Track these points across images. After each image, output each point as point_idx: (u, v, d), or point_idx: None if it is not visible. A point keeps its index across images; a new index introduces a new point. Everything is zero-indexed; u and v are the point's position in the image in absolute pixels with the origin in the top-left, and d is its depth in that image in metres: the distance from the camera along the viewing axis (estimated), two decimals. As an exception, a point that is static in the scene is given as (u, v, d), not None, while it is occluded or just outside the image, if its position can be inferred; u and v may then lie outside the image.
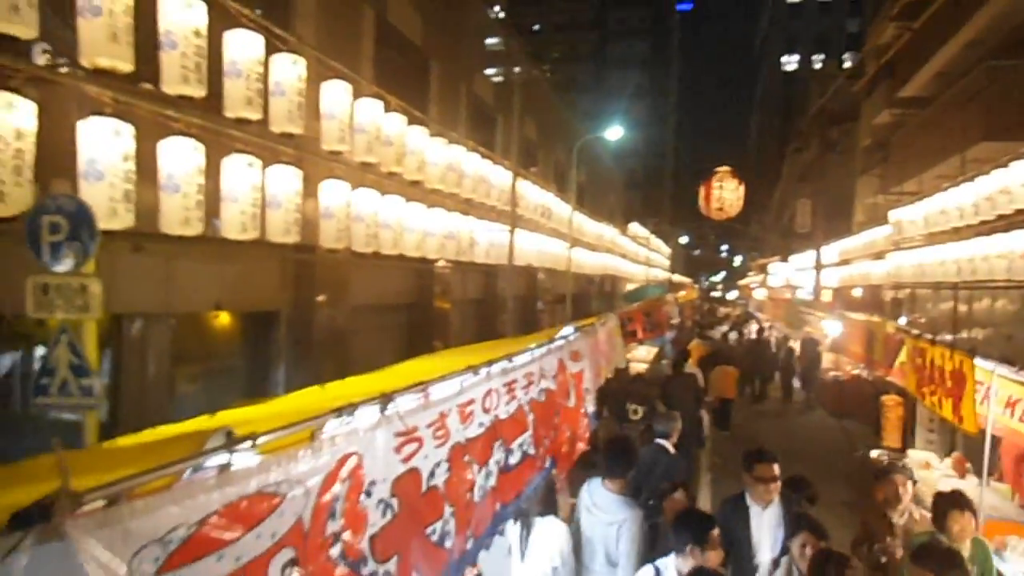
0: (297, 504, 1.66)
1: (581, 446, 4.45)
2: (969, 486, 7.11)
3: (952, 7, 14.52)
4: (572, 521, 4.41)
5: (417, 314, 10.62)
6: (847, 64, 40.77)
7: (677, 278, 42.67)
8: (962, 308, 11.62)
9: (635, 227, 29.80)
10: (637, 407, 9.59)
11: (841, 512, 8.76)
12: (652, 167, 56.66)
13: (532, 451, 3.28)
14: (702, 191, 28.20)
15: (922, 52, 17.43)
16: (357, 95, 6.62)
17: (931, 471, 7.33)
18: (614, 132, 16.09)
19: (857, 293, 21.78)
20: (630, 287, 26.00)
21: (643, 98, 59.00)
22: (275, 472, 1.59)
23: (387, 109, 7.13)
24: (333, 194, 6.43)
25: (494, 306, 13.18)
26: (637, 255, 28.17)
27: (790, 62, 62.64)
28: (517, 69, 14.52)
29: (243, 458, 1.51)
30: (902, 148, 19.98)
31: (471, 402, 2.73)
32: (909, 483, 4.83)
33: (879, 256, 17.44)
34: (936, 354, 4.96)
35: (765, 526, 4.34)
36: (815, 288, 22.76)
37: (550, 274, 17.17)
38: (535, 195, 12.53)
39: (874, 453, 8.66)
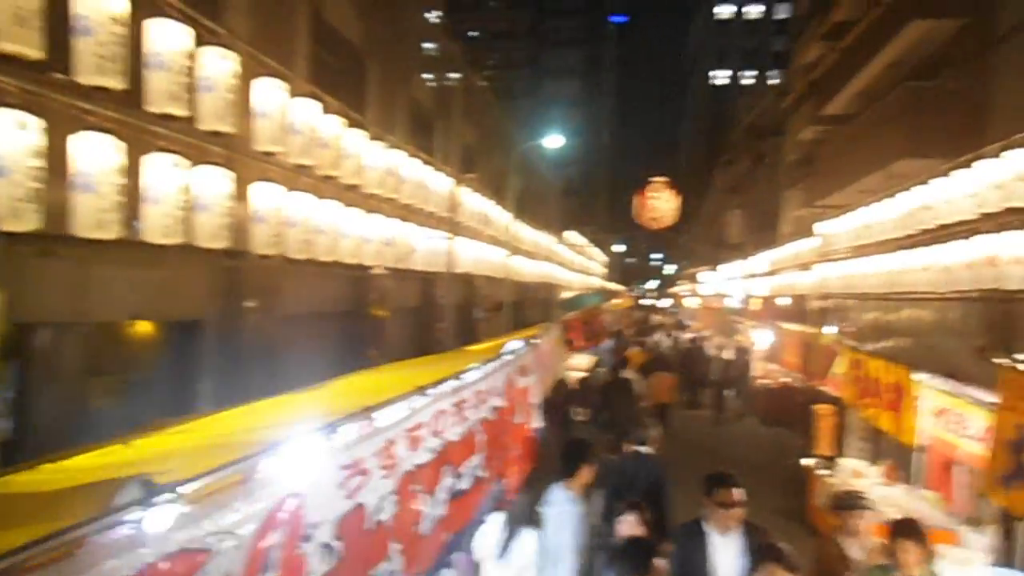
0: (226, 559, 1.44)
1: (526, 466, 4.30)
2: (897, 494, 7.33)
3: (875, 29, 15.19)
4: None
5: (352, 323, 10.27)
6: (773, 80, 42.33)
7: (612, 286, 43.24)
8: (887, 319, 12.07)
9: (571, 235, 30.03)
10: (579, 409, 10.08)
11: (774, 520, 8.93)
12: (587, 175, 57.30)
13: (483, 474, 3.10)
14: (636, 201, 28.66)
15: (846, 71, 18.15)
16: (292, 94, 6.30)
17: (862, 479, 7.51)
18: (554, 140, 16.11)
19: (783, 302, 22.51)
20: (567, 295, 26.14)
21: (579, 107, 59.74)
22: (201, 525, 1.36)
23: (325, 110, 6.83)
24: (265, 197, 6.09)
25: (432, 314, 12.93)
26: (573, 263, 28.38)
27: (719, 76, 64.67)
28: (456, 75, 14.35)
29: (162, 513, 1.28)
30: (826, 163, 20.75)
31: (419, 426, 2.54)
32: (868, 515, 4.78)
33: (805, 267, 18.06)
34: (874, 367, 5.04)
35: (726, 555, 4.05)
36: (744, 297, 23.38)
37: (488, 282, 17.02)
38: (474, 202, 12.37)
39: (806, 461, 8.84)
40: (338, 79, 9.11)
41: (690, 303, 43.64)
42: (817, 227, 14.88)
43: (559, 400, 9.47)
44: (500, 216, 14.96)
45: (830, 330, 7.56)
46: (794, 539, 8.55)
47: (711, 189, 45.48)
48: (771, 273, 22.28)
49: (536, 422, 4.57)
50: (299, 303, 8.27)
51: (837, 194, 18.33)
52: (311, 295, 8.68)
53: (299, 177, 6.73)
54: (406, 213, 9.62)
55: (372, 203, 8.38)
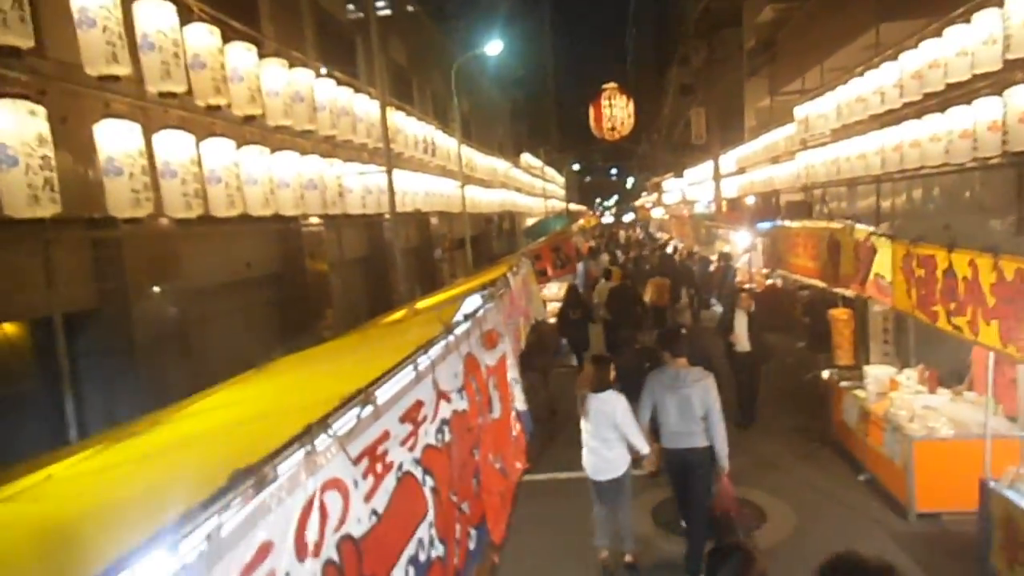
0: None
1: (519, 466, 2.99)
2: (943, 401, 6.26)
3: None
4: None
5: (287, 285, 8.76)
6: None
7: (574, 207, 41.85)
8: (884, 203, 10.93)
9: (527, 158, 28.31)
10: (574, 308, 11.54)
11: (792, 440, 7.91)
12: (535, 95, 54.85)
13: (441, 550, 1.76)
14: (592, 112, 26.93)
15: (804, -61, 16.53)
16: (132, -5, 4.64)
17: (901, 391, 6.42)
18: (493, 47, 14.28)
19: (750, 201, 21.34)
20: (530, 222, 24.69)
21: (516, 22, 56.63)
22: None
23: (189, 19, 5.16)
24: (115, 140, 4.50)
25: (383, 263, 11.42)
26: (533, 187, 26.79)
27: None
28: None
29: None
30: (789, 45, 19.28)
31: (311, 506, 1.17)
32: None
33: (779, 159, 16.81)
34: (957, 263, 3.80)
35: None
36: (716, 200, 22.19)
37: (444, 218, 15.49)
38: (414, 128, 10.72)
39: (826, 373, 7.75)
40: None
41: (657, 214, 42.52)
42: (797, 111, 13.52)
43: (541, 346, 8.35)
44: (447, 143, 13.30)
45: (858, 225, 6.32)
46: (820, 462, 7.66)
47: (665, 93, 43.72)
48: (742, 171, 21.04)
49: (521, 404, 3.25)
50: (207, 272, 6.73)
51: (804, 77, 17.00)
52: (221, 260, 7.14)
53: (164, 110, 5.12)
54: (329, 148, 8.01)
55: (280, 138, 6.78)
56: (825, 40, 15.06)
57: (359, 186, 8.56)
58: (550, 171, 34.76)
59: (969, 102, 7.31)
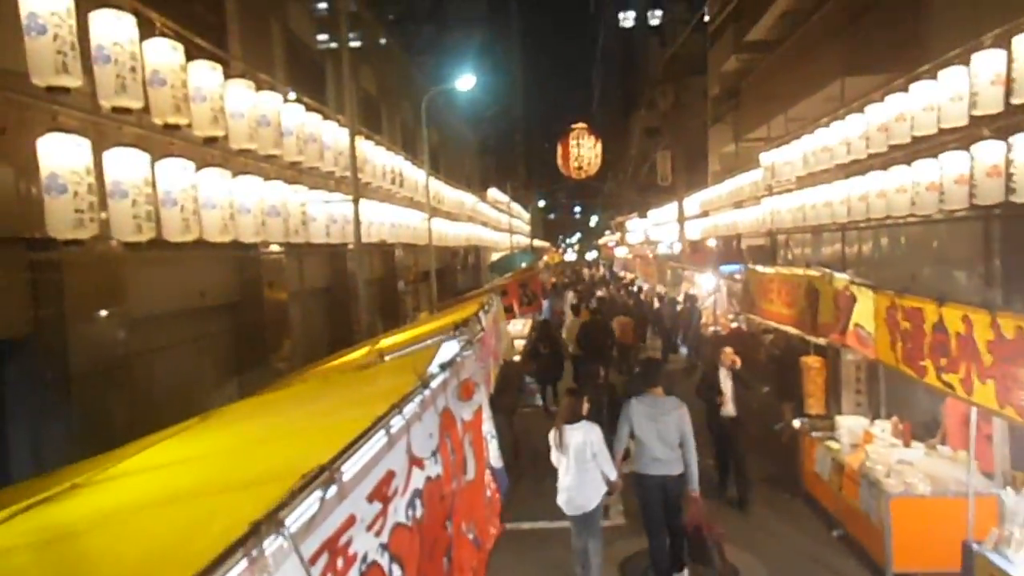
0: None
1: (492, 531, 2.70)
2: (917, 455, 6.16)
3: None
4: None
5: (244, 315, 8.34)
6: (683, 16, 41.20)
7: (539, 243, 41.94)
8: (849, 251, 11.04)
9: (494, 192, 28.28)
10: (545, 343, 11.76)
11: (763, 491, 7.70)
12: (502, 131, 55.34)
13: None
14: (560, 150, 27.07)
15: (766, -6, 17.03)
16: (90, 4, 4.34)
17: (876, 444, 6.30)
18: (465, 82, 14.18)
19: (711, 244, 21.51)
20: (496, 256, 24.53)
21: (486, 57, 57.32)
22: None
23: (150, 33, 4.87)
24: (60, 156, 4.15)
25: (345, 293, 11.04)
26: (500, 222, 26.71)
27: (626, 18, 63.11)
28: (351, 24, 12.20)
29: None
30: (753, 93, 19.72)
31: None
32: None
33: (739, 205, 17.01)
34: (948, 317, 3.67)
35: None
36: (682, 242, 22.35)
37: (409, 250, 15.19)
38: (382, 158, 10.48)
39: (797, 423, 7.62)
40: (184, 5, 7.02)
41: (620, 253, 42.83)
42: (763, 157, 13.70)
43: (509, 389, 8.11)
44: (415, 175, 13.08)
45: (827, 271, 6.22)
46: (791, 515, 7.44)
47: (630, 133, 44.46)
48: (705, 214, 21.27)
49: (496, 460, 2.98)
50: (156, 300, 6.32)
51: (767, 125, 17.35)
52: (173, 288, 6.73)
53: (119, 127, 4.79)
54: (294, 174, 7.71)
55: (243, 162, 6.46)
56: (788, 91, 15.41)
57: (324, 214, 8.24)
58: (516, 207, 34.82)
59: (935, 155, 7.41)
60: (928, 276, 8.21)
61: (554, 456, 5.60)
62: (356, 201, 7.99)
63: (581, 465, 5.38)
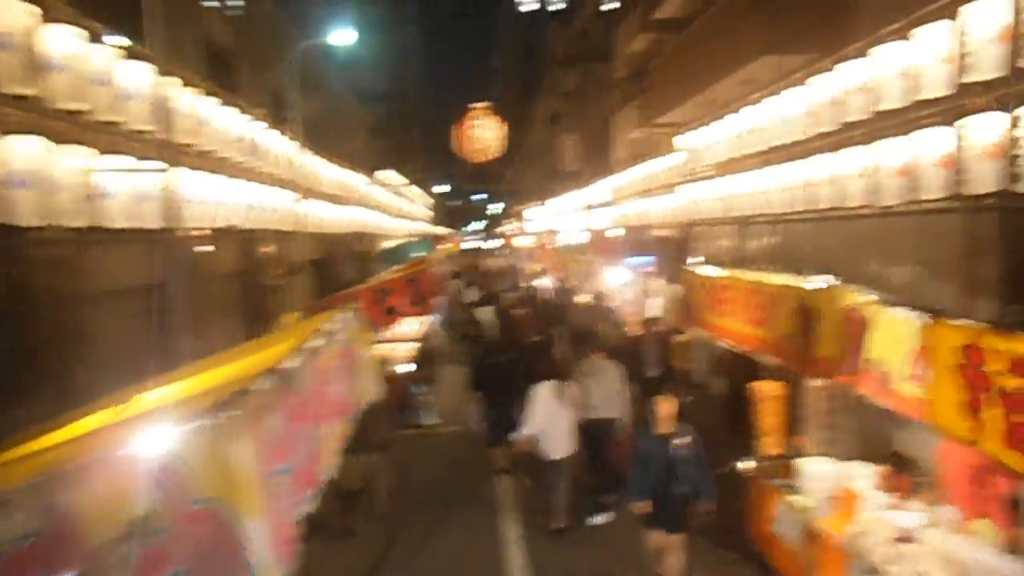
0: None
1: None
2: (918, 521, 4.75)
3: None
4: None
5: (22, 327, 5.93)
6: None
7: (440, 230, 39.81)
8: (776, 244, 9.80)
9: (389, 174, 25.94)
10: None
11: (700, 547, 6.08)
12: (399, 112, 52.62)
13: None
14: (456, 133, 25.13)
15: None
16: None
17: (865, 504, 4.84)
18: (343, 36, 11.95)
19: (612, 234, 20.24)
20: (388, 244, 22.30)
21: (384, 34, 54.39)
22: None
23: None
24: None
25: (167, 298, 8.41)
26: (391, 207, 24.46)
27: (526, 2, 61.48)
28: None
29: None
30: (662, 75, 18.53)
31: None
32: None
33: (648, 193, 15.77)
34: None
35: None
36: (591, 232, 20.98)
37: (278, 237, 12.83)
38: (224, 118, 8.24)
39: (744, 465, 6.09)
40: None
41: (521, 242, 41.34)
42: (680, 141, 12.38)
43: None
44: (281, 147, 10.85)
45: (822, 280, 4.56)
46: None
47: (533, 119, 43.03)
48: (612, 203, 19.96)
49: None
50: None
51: (678, 109, 16.15)
52: None
53: None
54: (71, 128, 5.43)
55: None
56: (697, 74, 14.23)
57: (129, 188, 6.01)
58: (414, 190, 32.56)
59: (906, 133, 6.10)
60: (896, 281, 6.87)
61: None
62: (168, 171, 5.81)
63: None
